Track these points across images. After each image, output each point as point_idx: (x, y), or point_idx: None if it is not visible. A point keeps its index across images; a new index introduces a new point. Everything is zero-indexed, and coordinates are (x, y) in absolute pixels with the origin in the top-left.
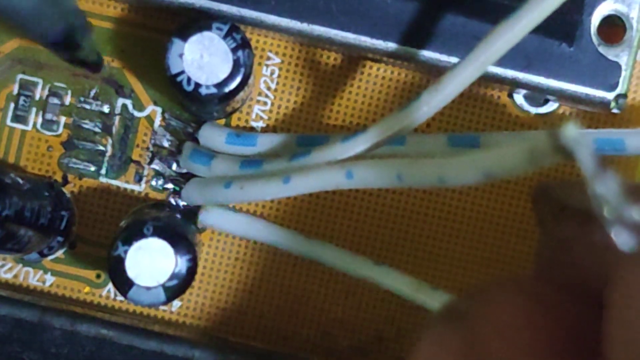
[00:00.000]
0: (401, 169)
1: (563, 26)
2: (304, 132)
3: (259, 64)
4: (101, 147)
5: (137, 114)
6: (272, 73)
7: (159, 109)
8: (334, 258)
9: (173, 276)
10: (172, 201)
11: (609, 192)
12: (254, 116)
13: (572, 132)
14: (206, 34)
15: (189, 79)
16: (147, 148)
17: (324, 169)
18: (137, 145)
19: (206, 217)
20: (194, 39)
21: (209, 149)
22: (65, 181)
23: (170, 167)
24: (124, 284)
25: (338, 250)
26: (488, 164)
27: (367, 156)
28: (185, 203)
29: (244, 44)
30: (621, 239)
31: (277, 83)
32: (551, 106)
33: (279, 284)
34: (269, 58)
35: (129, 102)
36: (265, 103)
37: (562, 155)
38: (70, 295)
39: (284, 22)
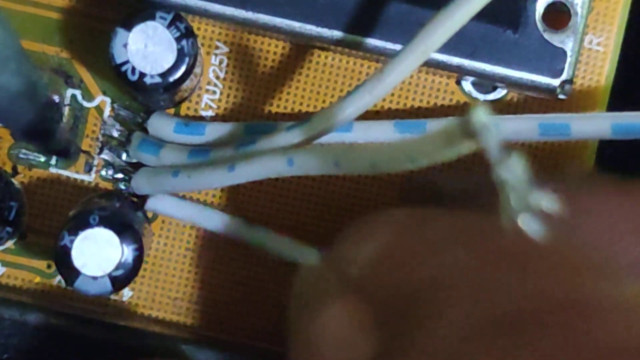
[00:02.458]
0: (337, 155)
1: (508, 13)
2: (253, 121)
3: (208, 53)
4: None
5: (86, 104)
6: (220, 62)
7: (108, 99)
8: (276, 244)
9: (119, 266)
10: (122, 190)
11: (514, 178)
12: (203, 105)
13: (479, 116)
14: (150, 23)
15: (133, 69)
16: (97, 138)
17: (267, 157)
18: (87, 136)
19: (153, 205)
20: (138, 29)
21: (158, 138)
22: (15, 172)
23: (119, 157)
24: (70, 273)
25: (279, 237)
26: (412, 150)
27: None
28: (134, 192)
29: (188, 33)
30: (527, 225)
31: (226, 72)
32: (499, 93)
33: (230, 273)
34: (217, 47)
35: (78, 93)
36: (214, 92)
37: (471, 140)
38: (21, 285)
39: (228, 10)
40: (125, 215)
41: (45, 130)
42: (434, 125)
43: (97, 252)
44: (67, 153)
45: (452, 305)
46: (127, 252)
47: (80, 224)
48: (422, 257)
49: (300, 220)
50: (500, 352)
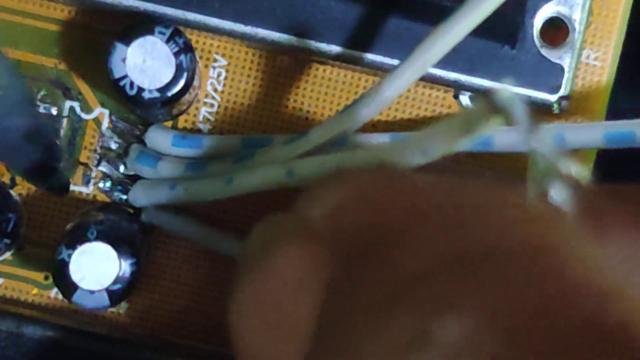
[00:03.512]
0: (340, 162)
1: (505, 28)
2: (251, 134)
3: (206, 66)
4: None
5: (84, 116)
6: (219, 75)
7: (106, 111)
8: None
9: (117, 280)
10: (119, 203)
11: (544, 147)
12: (201, 118)
13: (506, 91)
14: (149, 38)
15: (131, 83)
16: (95, 150)
17: (265, 169)
18: (85, 148)
19: (149, 217)
20: (137, 43)
21: (156, 151)
22: (14, 183)
23: (117, 169)
24: (68, 287)
25: None
26: (425, 141)
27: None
28: (131, 204)
29: (187, 48)
30: (557, 191)
31: (224, 85)
32: None
33: (225, 286)
34: (215, 60)
35: (76, 105)
36: (212, 105)
37: (498, 115)
38: (19, 297)
39: (227, 24)
40: (122, 229)
41: (47, 170)
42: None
43: (94, 266)
44: (66, 191)
45: (417, 243)
46: (124, 267)
47: (78, 238)
48: (391, 200)
49: None
50: (462, 282)
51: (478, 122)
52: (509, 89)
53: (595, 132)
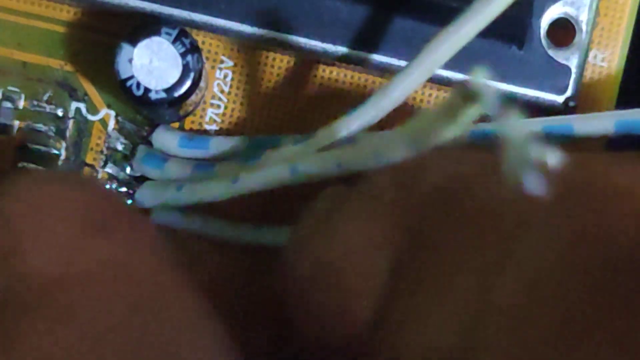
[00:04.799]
0: (340, 157)
1: (513, 29)
2: (258, 135)
3: (212, 67)
4: (55, 151)
5: (90, 117)
6: (225, 76)
7: (112, 113)
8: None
9: None
10: None
11: (516, 134)
12: (207, 119)
13: (479, 77)
14: (155, 39)
15: (138, 84)
16: (101, 151)
17: (269, 167)
18: (91, 149)
19: (157, 217)
20: (143, 44)
21: (163, 152)
22: None
23: (124, 170)
24: None
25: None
26: (412, 133)
27: None
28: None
29: (193, 49)
30: (529, 180)
31: (231, 86)
32: None
33: (235, 283)
34: (222, 61)
35: (82, 106)
36: (218, 106)
37: (473, 102)
38: None
39: (234, 25)
40: None
41: None
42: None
43: None
44: None
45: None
46: None
47: None
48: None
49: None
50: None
51: (457, 111)
52: (481, 79)
53: (606, 122)
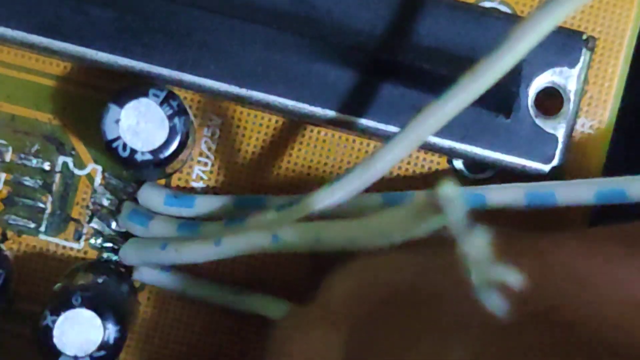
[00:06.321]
0: (319, 232)
1: (500, 98)
2: (244, 194)
3: (201, 124)
4: (41, 204)
5: (77, 172)
6: (213, 134)
7: (99, 168)
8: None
9: (101, 346)
10: (109, 261)
11: (477, 253)
12: (194, 176)
13: (446, 190)
14: (143, 100)
15: (124, 145)
16: (87, 206)
17: (252, 233)
18: (77, 203)
19: (140, 275)
20: (131, 105)
21: (148, 209)
22: (5, 238)
23: (109, 226)
24: (51, 353)
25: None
26: (386, 226)
27: None
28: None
29: (180, 111)
30: (490, 301)
31: (218, 144)
32: (490, 172)
33: (219, 345)
34: (210, 119)
35: (69, 160)
36: (206, 164)
37: (438, 214)
38: (6, 354)
39: (222, 87)
40: (108, 295)
41: None
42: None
43: (79, 333)
44: None
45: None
46: (109, 333)
47: (62, 304)
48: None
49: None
50: None
51: (422, 217)
52: (450, 188)
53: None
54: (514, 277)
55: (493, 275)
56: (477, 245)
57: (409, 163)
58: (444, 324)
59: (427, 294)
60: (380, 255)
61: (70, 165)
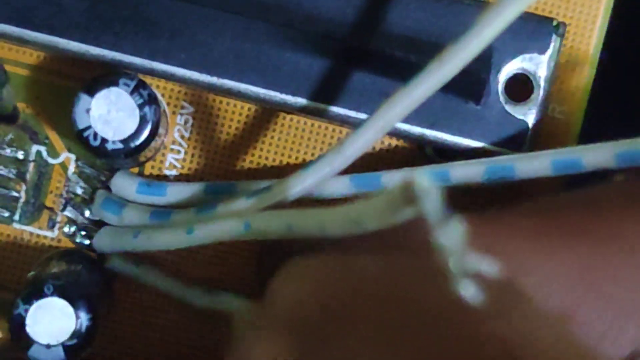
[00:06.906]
0: (291, 220)
1: (470, 84)
2: (217, 181)
3: (174, 112)
4: (15, 193)
5: (51, 160)
6: (186, 122)
7: (73, 156)
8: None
9: (73, 335)
10: (82, 249)
11: (452, 243)
12: (167, 165)
13: (419, 181)
14: (113, 89)
15: (95, 134)
16: (61, 195)
17: (224, 221)
18: (51, 192)
19: (113, 263)
20: (101, 95)
21: (121, 197)
22: None
23: (83, 214)
24: (24, 342)
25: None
26: (359, 214)
27: None
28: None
29: (151, 100)
30: (466, 290)
31: (191, 132)
32: (461, 159)
33: (192, 331)
34: (183, 107)
35: (43, 149)
36: (179, 152)
37: (412, 205)
38: None
39: (194, 75)
40: (80, 283)
41: None
42: (388, 177)
43: (51, 321)
44: (13, 117)
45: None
46: (81, 322)
47: (34, 293)
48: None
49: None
50: None
51: (397, 207)
52: (425, 178)
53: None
54: (489, 266)
55: (469, 264)
56: (452, 235)
57: (380, 150)
58: (386, 332)
59: (367, 298)
60: (320, 255)
61: (44, 154)
